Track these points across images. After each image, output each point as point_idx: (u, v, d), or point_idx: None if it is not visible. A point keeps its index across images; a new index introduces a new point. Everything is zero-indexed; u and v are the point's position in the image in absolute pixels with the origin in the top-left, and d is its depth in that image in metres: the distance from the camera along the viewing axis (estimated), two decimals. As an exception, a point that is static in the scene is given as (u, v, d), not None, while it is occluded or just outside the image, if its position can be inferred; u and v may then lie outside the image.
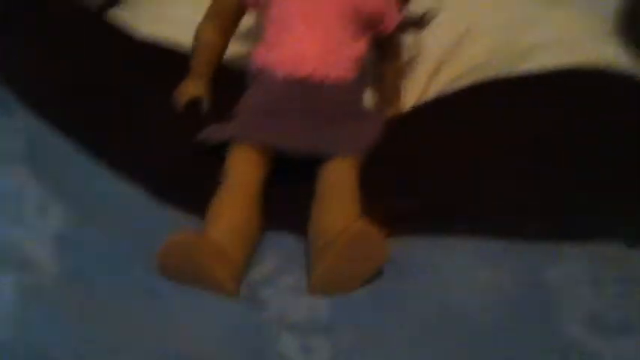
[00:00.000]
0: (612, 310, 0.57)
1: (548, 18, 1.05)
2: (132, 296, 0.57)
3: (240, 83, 0.86)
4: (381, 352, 0.54)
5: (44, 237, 0.57)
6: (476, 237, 0.67)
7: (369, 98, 0.97)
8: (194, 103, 0.85)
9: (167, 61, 0.90)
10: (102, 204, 0.67)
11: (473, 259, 0.64)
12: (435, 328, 0.56)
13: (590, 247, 0.66)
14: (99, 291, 0.55)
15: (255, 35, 0.94)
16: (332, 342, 0.54)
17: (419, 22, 0.93)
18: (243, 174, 0.71)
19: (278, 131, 0.75)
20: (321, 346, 0.53)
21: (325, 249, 0.60)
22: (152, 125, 0.80)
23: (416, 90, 1.00)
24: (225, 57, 0.92)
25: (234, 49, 0.95)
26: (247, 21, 0.93)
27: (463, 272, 0.62)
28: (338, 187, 0.70)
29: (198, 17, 0.91)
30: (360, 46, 0.84)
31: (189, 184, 0.74)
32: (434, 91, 0.98)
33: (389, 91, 0.96)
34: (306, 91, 0.79)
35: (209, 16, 0.89)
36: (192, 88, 0.86)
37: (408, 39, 0.98)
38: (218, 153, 0.74)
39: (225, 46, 0.91)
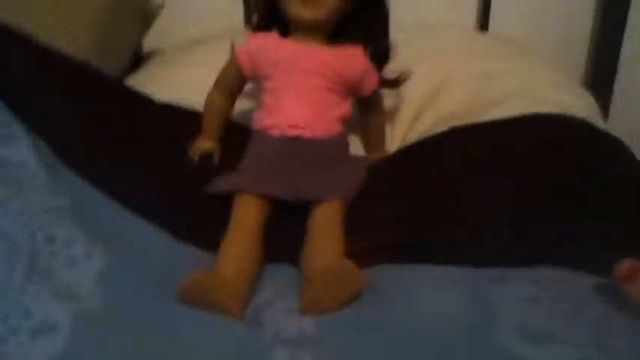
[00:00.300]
0: (543, 323, 0.64)
1: (515, 70, 1.17)
2: (157, 322, 0.65)
3: (244, 135, 0.97)
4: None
5: (90, 276, 0.68)
6: (442, 265, 0.76)
7: (357, 145, 1.06)
8: (207, 157, 0.96)
9: (184, 121, 1.01)
10: (132, 245, 0.76)
11: (437, 285, 0.73)
12: (404, 346, 0.63)
13: (535, 271, 0.74)
14: (133, 319, 0.65)
15: (256, 96, 1.05)
16: (316, 354, 0.62)
17: (395, 82, 1.03)
18: (247, 217, 0.81)
19: (275, 182, 0.85)
20: (307, 357, 0.61)
21: (312, 280, 0.71)
22: (173, 176, 0.91)
23: (398, 136, 1.11)
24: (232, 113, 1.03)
25: (240, 105, 1.06)
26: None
27: (427, 296, 0.71)
28: (325, 227, 0.80)
29: (205, 80, 1.01)
30: (344, 106, 0.96)
31: (204, 225, 0.83)
32: (414, 136, 1.08)
33: (374, 139, 1.07)
34: (298, 148, 0.90)
35: (217, 86, 1.00)
36: (205, 144, 0.97)
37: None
38: (226, 199, 0.85)
39: (231, 109, 1.03)
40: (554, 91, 1.12)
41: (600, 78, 1.39)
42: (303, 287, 0.73)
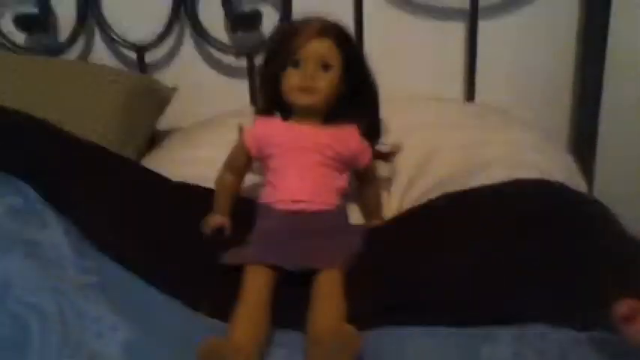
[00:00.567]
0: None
1: (499, 138, 1.25)
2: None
3: (251, 208, 1.06)
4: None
5: (116, 347, 0.76)
6: (433, 326, 0.81)
7: (356, 214, 1.14)
8: (219, 231, 1.05)
9: (197, 198, 1.11)
10: (154, 317, 0.84)
11: (428, 345, 0.79)
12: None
13: (518, 329, 0.79)
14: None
15: (261, 173, 1.14)
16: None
17: (388, 156, 1.13)
18: (256, 286, 0.87)
19: (280, 253, 0.93)
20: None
21: (315, 343, 0.78)
22: (187, 249, 0.99)
23: (393, 203, 1.19)
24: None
25: (248, 179, 1.15)
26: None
27: (420, 356, 0.77)
28: (326, 293, 0.87)
29: (216, 156, 1.11)
30: (342, 180, 1.06)
31: (216, 295, 0.89)
32: (408, 203, 1.16)
33: (371, 207, 1.15)
34: (300, 220, 0.99)
35: (226, 166, 1.10)
36: (217, 219, 1.06)
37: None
38: (237, 270, 0.91)
39: (239, 186, 1.12)
40: (536, 154, 1.20)
41: (582, 139, 1.47)
42: (308, 350, 0.79)
